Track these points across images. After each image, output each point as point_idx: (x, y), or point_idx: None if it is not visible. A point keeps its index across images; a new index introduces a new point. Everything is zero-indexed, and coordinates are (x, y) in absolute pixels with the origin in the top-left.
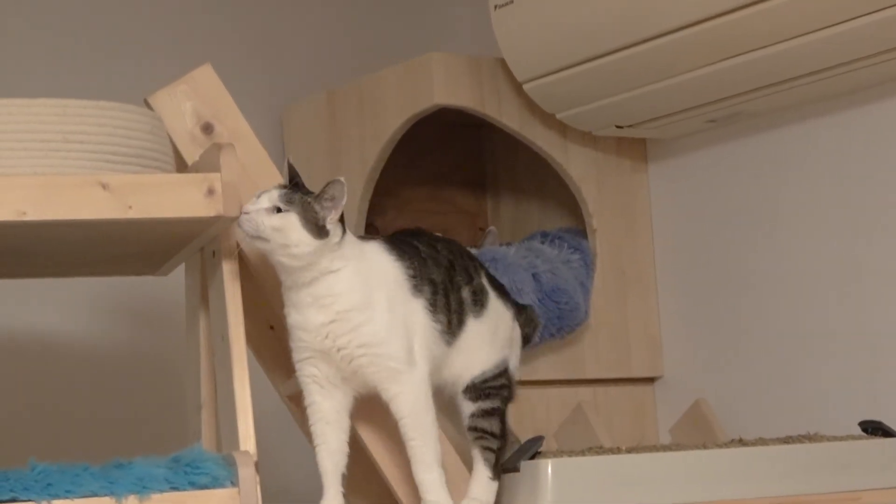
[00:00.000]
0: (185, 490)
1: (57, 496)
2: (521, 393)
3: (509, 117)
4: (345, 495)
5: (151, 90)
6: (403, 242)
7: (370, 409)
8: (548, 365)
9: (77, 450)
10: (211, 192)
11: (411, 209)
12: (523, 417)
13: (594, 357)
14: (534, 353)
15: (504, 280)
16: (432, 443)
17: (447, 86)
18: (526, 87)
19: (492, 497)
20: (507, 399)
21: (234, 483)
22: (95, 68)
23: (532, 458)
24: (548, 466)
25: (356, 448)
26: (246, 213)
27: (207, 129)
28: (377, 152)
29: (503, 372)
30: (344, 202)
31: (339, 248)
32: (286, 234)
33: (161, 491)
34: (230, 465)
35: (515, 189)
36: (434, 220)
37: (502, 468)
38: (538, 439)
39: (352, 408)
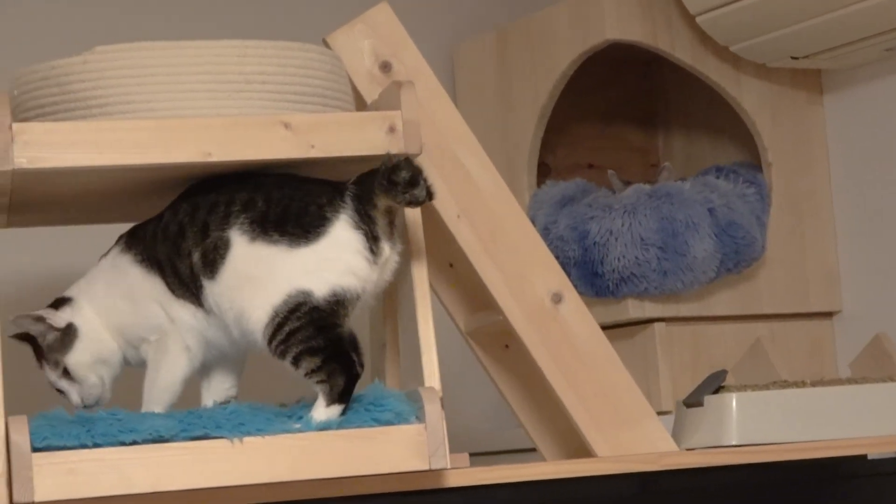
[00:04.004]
0: (370, 426)
1: (248, 434)
2: (697, 329)
3: (682, 51)
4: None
5: (329, 30)
6: (148, 224)
7: (556, 351)
8: (724, 300)
9: (259, 390)
10: (392, 129)
11: (582, 147)
12: (700, 353)
13: (771, 292)
14: (710, 288)
15: (679, 215)
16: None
17: (619, 20)
18: (699, 19)
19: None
20: (314, 335)
21: (420, 419)
22: (274, 9)
23: (716, 392)
24: (732, 400)
25: (542, 390)
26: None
27: (385, 67)
28: (548, 90)
29: (288, 317)
30: (39, 313)
31: (82, 313)
32: (80, 386)
33: (347, 427)
34: (414, 401)
35: (686, 124)
36: (605, 156)
37: (686, 404)
38: (721, 373)
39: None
